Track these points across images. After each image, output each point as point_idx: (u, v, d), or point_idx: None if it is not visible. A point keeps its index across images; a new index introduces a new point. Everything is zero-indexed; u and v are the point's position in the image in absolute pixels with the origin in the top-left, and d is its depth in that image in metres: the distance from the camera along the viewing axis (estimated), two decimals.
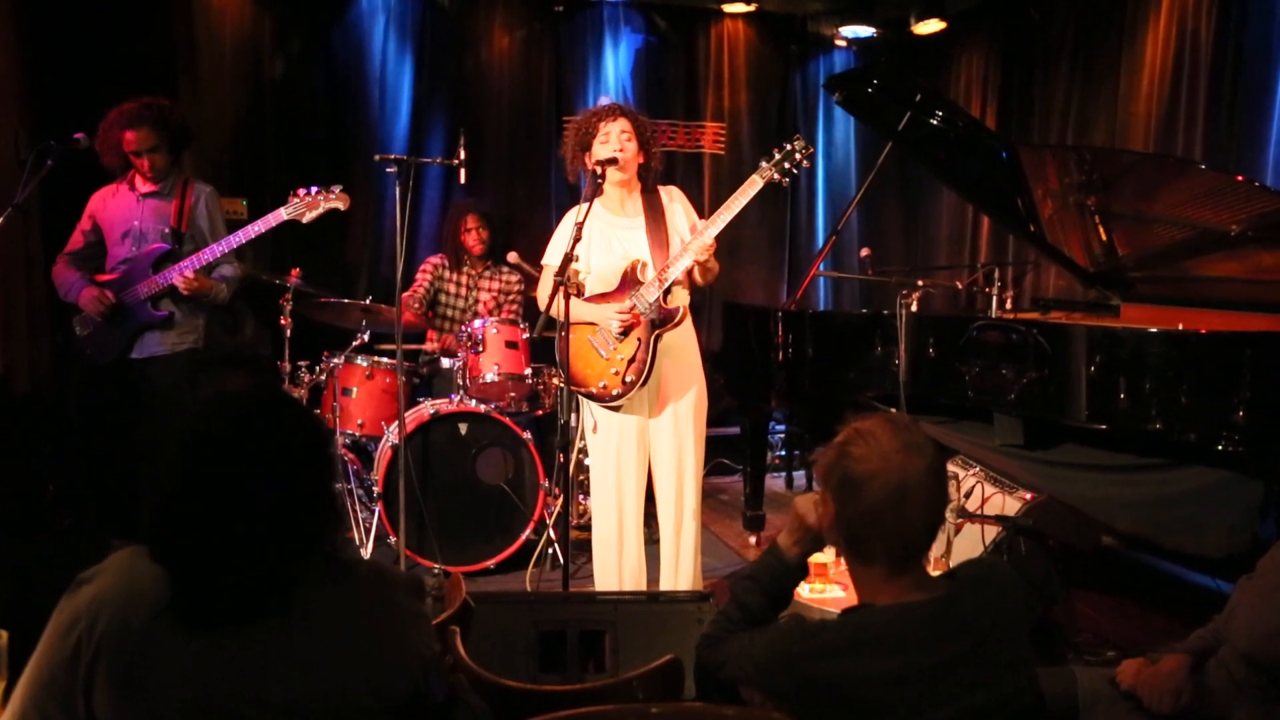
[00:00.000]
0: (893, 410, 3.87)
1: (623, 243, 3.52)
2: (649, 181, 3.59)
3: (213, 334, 4.08)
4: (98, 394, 3.93)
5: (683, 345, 3.55)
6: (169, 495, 1.34)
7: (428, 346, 5.18)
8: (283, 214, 3.82)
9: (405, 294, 5.06)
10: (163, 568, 1.32)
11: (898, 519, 1.55)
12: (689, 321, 3.55)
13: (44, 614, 1.35)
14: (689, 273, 3.45)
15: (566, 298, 3.29)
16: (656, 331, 3.43)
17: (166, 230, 3.91)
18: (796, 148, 3.43)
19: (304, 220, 3.85)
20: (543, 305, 3.37)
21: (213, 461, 1.33)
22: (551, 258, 3.57)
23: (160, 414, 3.79)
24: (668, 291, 3.44)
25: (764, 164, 3.44)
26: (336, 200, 3.87)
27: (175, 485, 1.34)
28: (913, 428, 1.61)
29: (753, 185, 3.41)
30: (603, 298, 3.49)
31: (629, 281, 3.48)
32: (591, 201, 3.35)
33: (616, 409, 3.51)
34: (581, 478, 4.62)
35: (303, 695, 1.31)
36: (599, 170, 3.39)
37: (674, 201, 3.60)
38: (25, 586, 2.53)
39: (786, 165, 3.43)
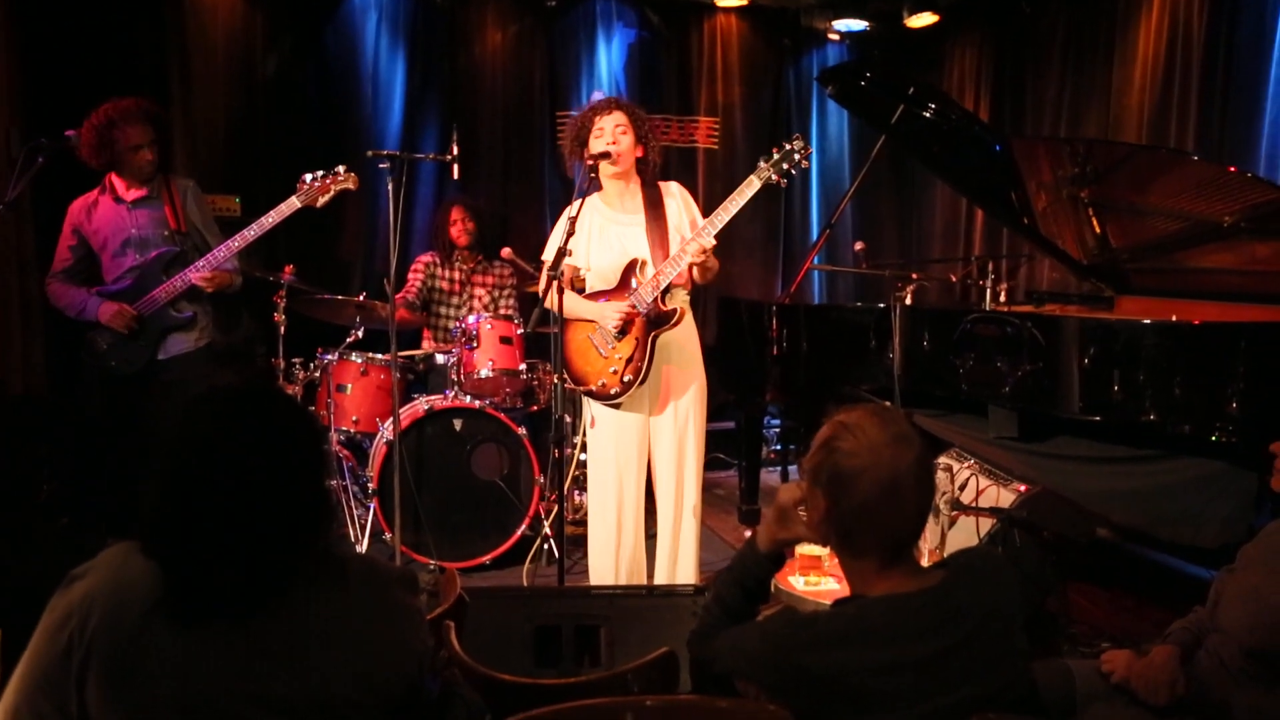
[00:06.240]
0: (884, 403, 3.88)
1: (621, 239, 3.51)
2: (648, 175, 3.58)
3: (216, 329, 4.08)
4: (128, 400, 3.87)
5: (684, 343, 3.54)
6: (162, 490, 1.34)
7: (424, 348, 5.16)
8: (296, 202, 3.82)
9: (399, 295, 5.05)
10: (155, 563, 1.32)
11: (891, 513, 1.55)
12: (690, 319, 3.54)
13: (38, 612, 1.35)
14: (688, 270, 3.44)
15: (560, 292, 3.28)
16: (654, 332, 3.42)
17: (167, 233, 3.90)
18: (795, 148, 3.41)
19: (317, 205, 3.86)
20: (547, 301, 3.37)
21: (206, 457, 1.33)
22: (551, 254, 3.56)
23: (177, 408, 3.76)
24: (665, 292, 3.43)
25: (762, 164, 3.42)
26: (346, 181, 3.87)
27: (168, 481, 1.34)
28: (900, 419, 1.59)
29: (750, 186, 3.39)
30: (602, 295, 3.49)
31: (628, 280, 3.47)
32: (585, 196, 3.34)
33: (616, 406, 3.51)
34: (577, 473, 4.61)
35: (297, 690, 1.31)
36: (593, 164, 3.39)
37: (674, 198, 3.58)
38: (19, 585, 2.53)
39: (785, 165, 3.41)
